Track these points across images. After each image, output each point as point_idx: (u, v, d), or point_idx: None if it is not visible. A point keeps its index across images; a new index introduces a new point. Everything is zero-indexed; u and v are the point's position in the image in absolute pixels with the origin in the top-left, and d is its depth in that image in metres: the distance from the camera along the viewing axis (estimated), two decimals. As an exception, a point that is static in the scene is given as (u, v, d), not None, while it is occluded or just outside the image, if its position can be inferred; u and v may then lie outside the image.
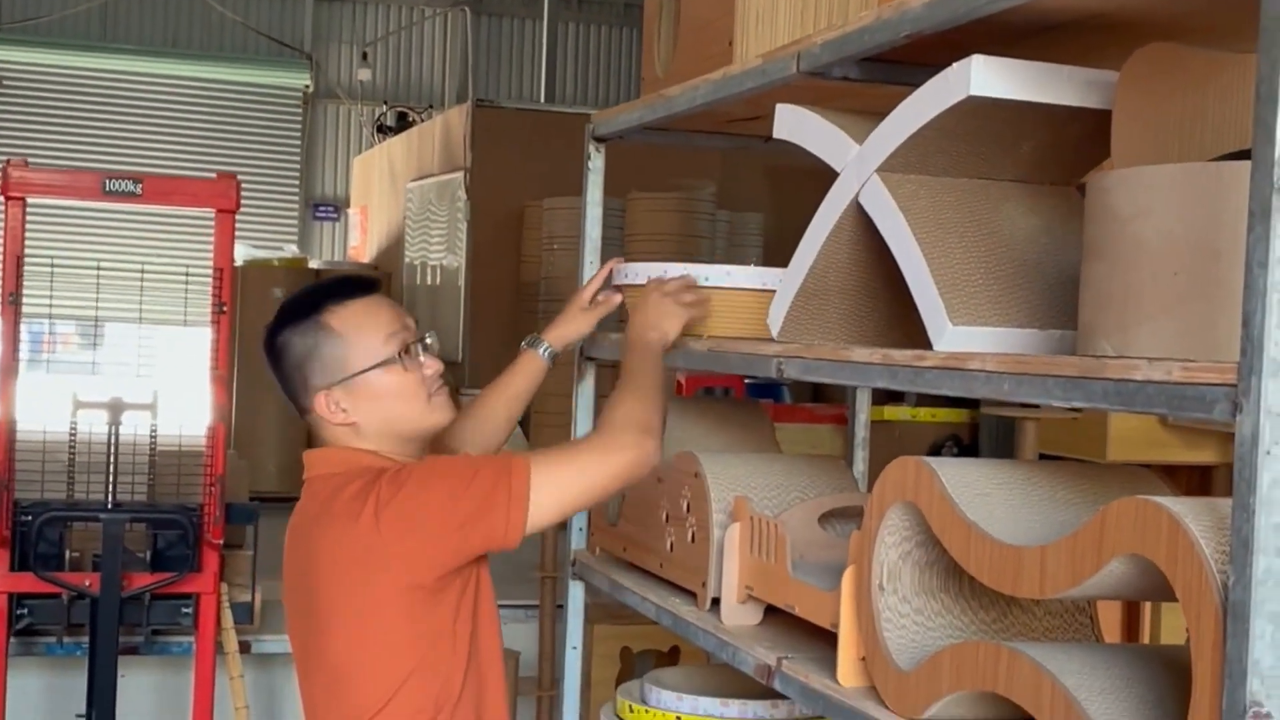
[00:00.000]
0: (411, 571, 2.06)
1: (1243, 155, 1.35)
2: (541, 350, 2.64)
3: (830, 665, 1.91)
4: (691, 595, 2.44)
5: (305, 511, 2.18)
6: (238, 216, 4.28)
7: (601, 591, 2.82)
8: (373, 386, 2.19)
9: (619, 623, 4.30)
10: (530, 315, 7.97)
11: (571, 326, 2.67)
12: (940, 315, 1.78)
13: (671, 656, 4.44)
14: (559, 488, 2.11)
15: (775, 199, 8.23)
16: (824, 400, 6.91)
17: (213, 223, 4.20)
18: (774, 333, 2.14)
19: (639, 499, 2.67)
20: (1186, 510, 1.33)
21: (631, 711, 2.68)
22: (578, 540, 2.96)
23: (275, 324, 2.25)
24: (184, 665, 4.33)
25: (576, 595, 2.98)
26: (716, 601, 2.32)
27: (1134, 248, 1.45)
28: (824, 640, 2.01)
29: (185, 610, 4.17)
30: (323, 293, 2.24)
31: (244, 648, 4.33)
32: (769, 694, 2.49)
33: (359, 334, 2.20)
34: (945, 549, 1.69)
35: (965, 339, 1.76)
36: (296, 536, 2.19)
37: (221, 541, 4.15)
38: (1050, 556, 1.49)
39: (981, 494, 1.68)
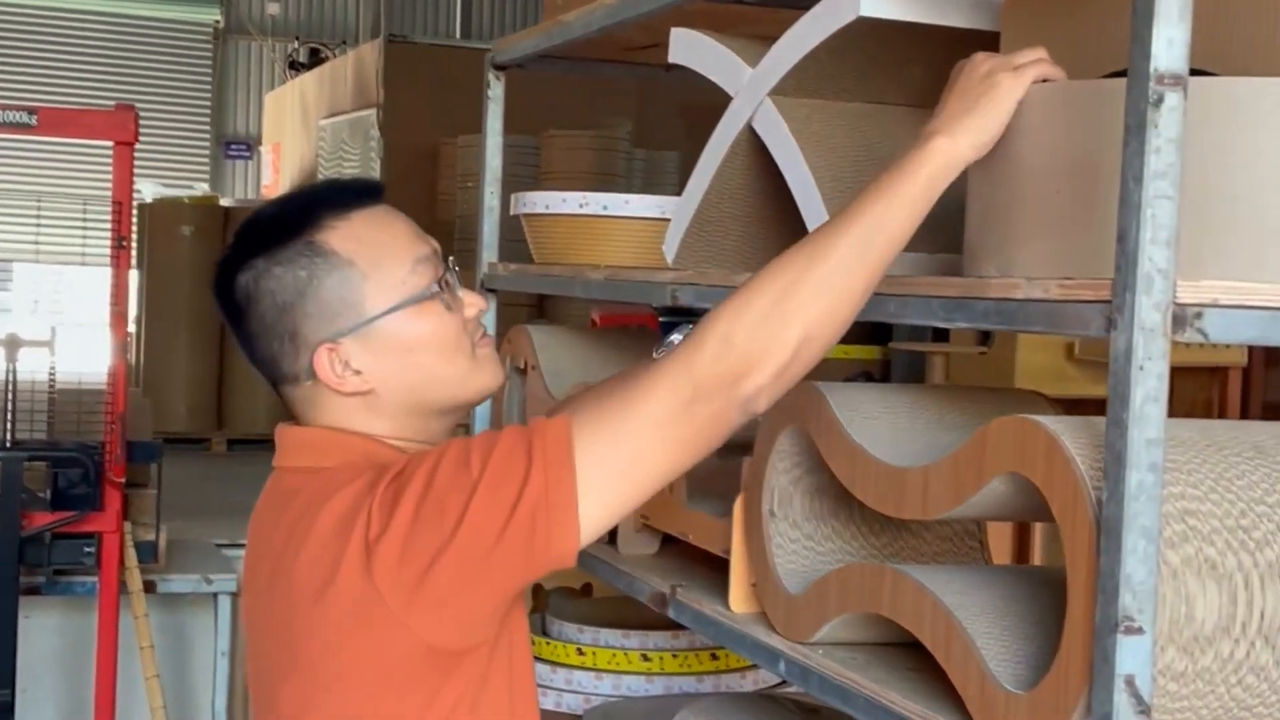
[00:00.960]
0: (416, 633, 1.42)
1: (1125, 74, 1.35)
2: None
3: (724, 592, 1.91)
4: (590, 526, 2.43)
5: (279, 522, 1.52)
6: (148, 155, 4.23)
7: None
8: (401, 336, 1.54)
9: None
10: (446, 253, 7.90)
11: None
12: (831, 239, 1.77)
13: (585, 593, 4.45)
14: (615, 459, 1.40)
15: (691, 138, 8.20)
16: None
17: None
18: (669, 260, 2.13)
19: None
20: (1064, 428, 1.33)
21: (532, 644, 2.68)
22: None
23: (237, 251, 1.57)
24: (88, 605, 4.28)
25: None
26: (615, 532, 2.31)
27: (1015, 167, 1.45)
28: (720, 568, 2.00)
29: (88, 550, 4.13)
30: (314, 202, 1.57)
31: (149, 587, 4.29)
32: (672, 626, 2.50)
33: (376, 259, 1.54)
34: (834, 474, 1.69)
35: (856, 263, 1.74)
36: (265, 554, 1.55)
37: (124, 480, 4.10)
38: (933, 477, 1.49)
39: (869, 418, 1.68)
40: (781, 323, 1.38)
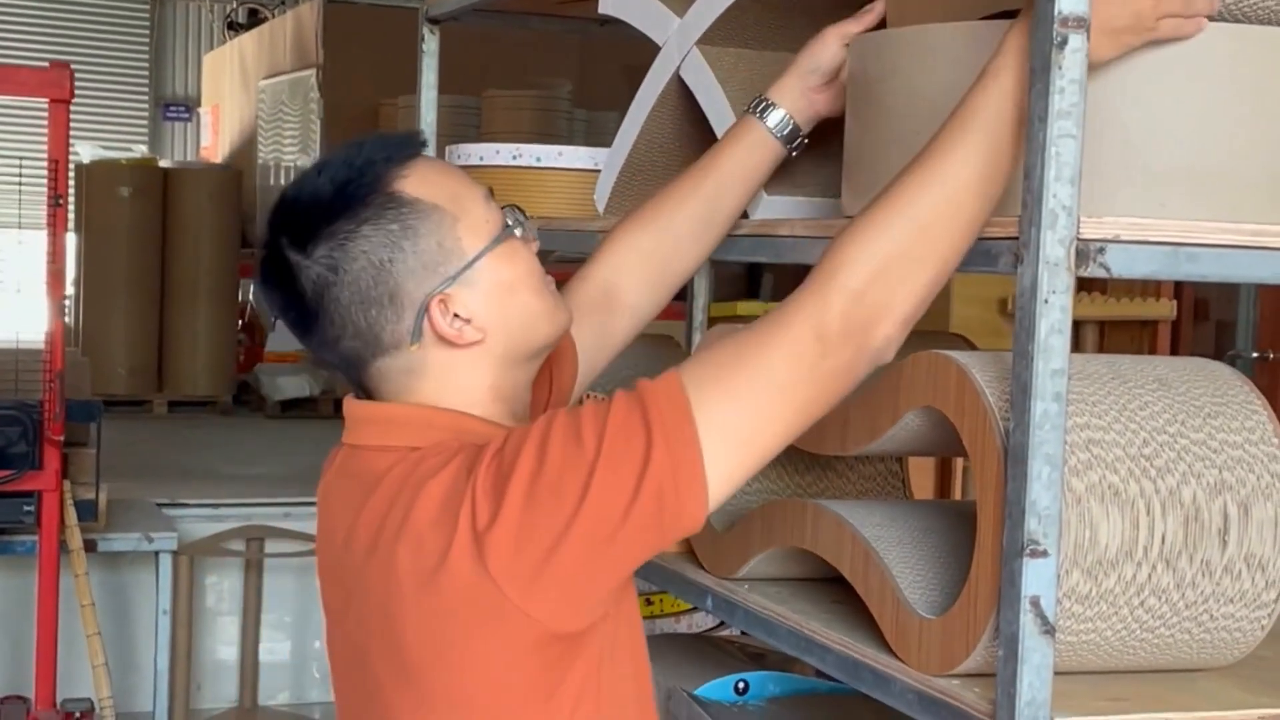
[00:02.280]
0: (539, 620, 1.32)
1: (1002, 15, 1.39)
2: (770, 118, 1.69)
3: (654, 533, 1.94)
4: (526, 474, 2.46)
5: (365, 504, 1.40)
6: (86, 118, 4.21)
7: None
8: (501, 275, 1.44)
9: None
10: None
11: (824, 96, 1.68)
12: (756, 186, 1.81)
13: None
14: (739, 421, 1.30)
15: (633, 98, 8.21)
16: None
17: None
18: (600, 209, 2.16)
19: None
20: (974, 361, 1.38)
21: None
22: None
23: (297, 228, 1.43)
24: (28, 564, 4.28)
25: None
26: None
27: (878, 110, 1.48)
28: (651, 511, 2.04)
29: (27, 508, 4.12)
30: (370, 160, 1.44)
31: (90, 546, 4.29)
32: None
33: (457, 200, 1.44)
34: (759, 413, 1.73)
35: (780, 208, 1.79)
36: (352, 541, 1.41)
37: (63, 438, 4.10)
38: (851, 413, 1.54)
39: (793, 358, 1.71)
40: (914, 267, 1.30)
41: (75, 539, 4.17)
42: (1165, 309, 4.62)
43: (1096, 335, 4.54)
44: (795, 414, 1.31)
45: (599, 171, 2.32)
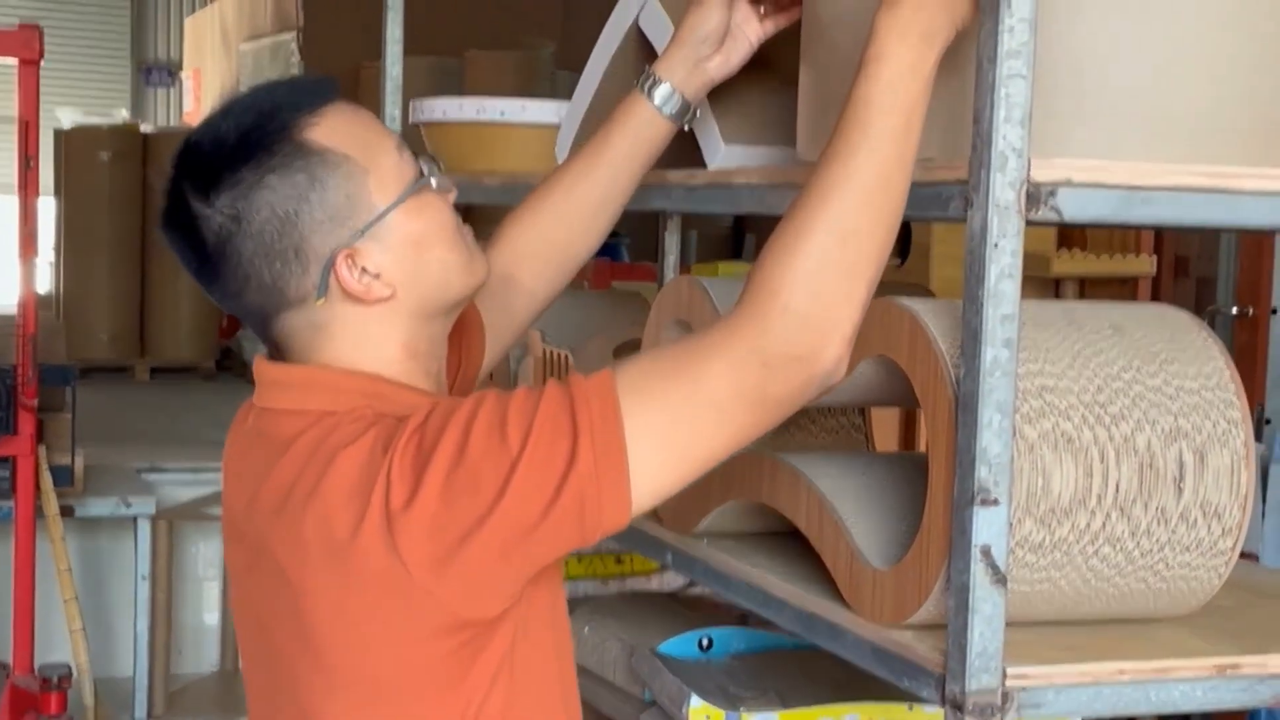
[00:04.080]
0: (446, 606, 1.29)
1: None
2: (656, 95, 1.65)
3: (617, 490, 1.92)
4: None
5: (272, 467, 1.35)
6: (68, 82, 4.16)
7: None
8: (410, 230, 1.39)
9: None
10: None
11: (735, 51, 1.65)
12: (714, 136, 1.78)
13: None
14: (671, 435, 1.27)
15: (615, 59, 8.14)
16: (663, 259, 6.95)
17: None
18: (560, 161, 2.13)
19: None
20: (927, 310, 1.36)
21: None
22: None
23: (200, 174, 1.37)
24: (4, 530, 4.26)
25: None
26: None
27: (830, 55, 1.46)
28: (615, 468, 2.02)
29: (1, 474, 4.10)
30: (279, 105, 1.38)
31: (66, 511, 4.27)
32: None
33: (367, 150, 1.39)
34: (718, 366, 1.71)
35: (737, 157, 1.76)
36: (257, 506, 1.37)
37: (37, 403, 4.07)
38: (806, 364, 1.51)
39: (750, 310, 1.69)
40: (849, 277, 1.26)
41: (51, 504, 4.15)
42: (1145, 265, 4.59)
43: (1076, 292, 4.52)
44: (733, 433, 1.28)
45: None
